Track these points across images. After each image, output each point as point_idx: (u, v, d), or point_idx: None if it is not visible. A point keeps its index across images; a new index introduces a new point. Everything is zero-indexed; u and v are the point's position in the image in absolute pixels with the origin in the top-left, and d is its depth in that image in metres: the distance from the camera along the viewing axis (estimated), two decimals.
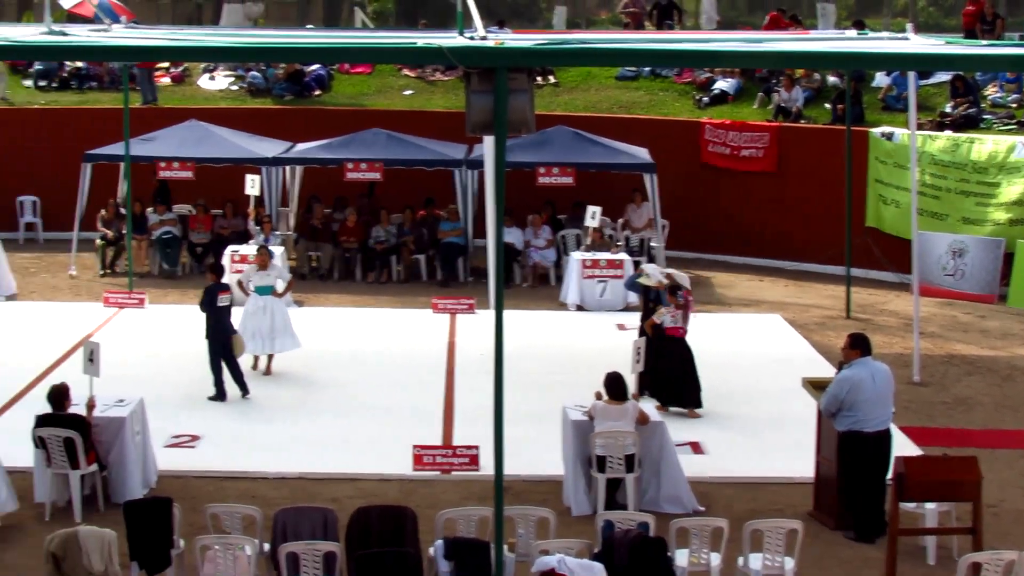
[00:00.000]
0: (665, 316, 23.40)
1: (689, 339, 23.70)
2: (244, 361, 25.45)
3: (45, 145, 39.02)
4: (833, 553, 17.60)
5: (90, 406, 19.15)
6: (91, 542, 14.95)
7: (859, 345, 18.33)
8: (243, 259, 29.95)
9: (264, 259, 26.35)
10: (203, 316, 24.31)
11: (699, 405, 23.37)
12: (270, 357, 26.11)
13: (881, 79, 37.97)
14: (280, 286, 26.43)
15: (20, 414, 21.80)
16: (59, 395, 18.98)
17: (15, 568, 16.94)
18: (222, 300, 24.23)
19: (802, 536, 15.75)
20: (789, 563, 15.68)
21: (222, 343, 24.26)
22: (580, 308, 31.43)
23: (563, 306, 31.73)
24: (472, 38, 16.08)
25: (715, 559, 15.77)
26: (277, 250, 30.80)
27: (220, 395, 24.18)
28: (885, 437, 18.19)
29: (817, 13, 48.23)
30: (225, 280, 25.24)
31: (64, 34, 21.53)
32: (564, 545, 14.98)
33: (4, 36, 20.92)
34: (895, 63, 26.38)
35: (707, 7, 45.47)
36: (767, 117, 37.76)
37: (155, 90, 41.81)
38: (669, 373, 23.25)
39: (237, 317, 25.09)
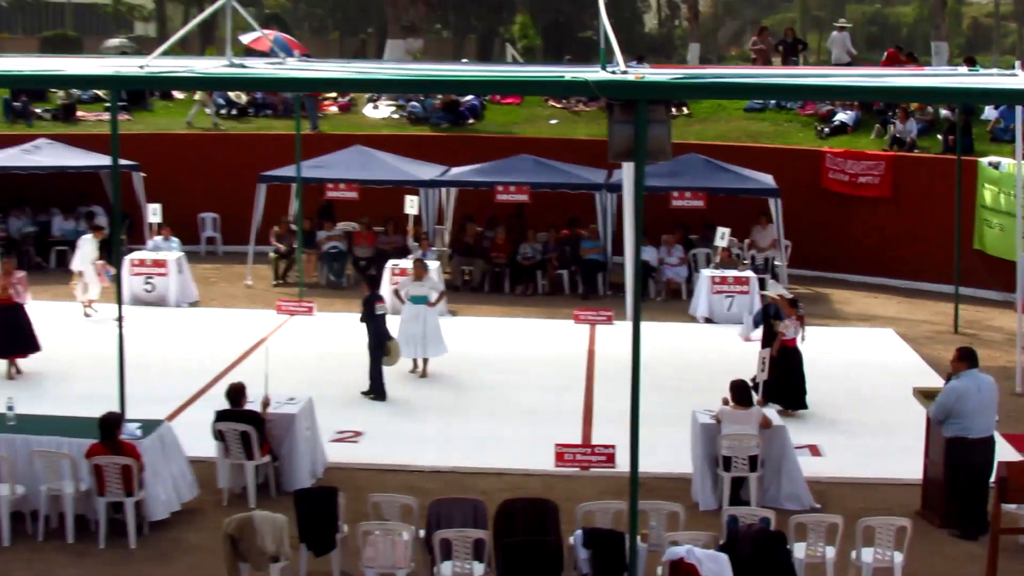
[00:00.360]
0: (789, 328, 23.40)
1: (809, 350, 23.64)
2: (403, 364, 25.72)
3: (225, 167, 39.50)
4: (939, 549, 17.43)
5: (264, 403, 19.38)
6: (265, 525, 15.16)
7: (967, 358, 18.21)
8: (402, 272, 30.12)
9: (419, 271, 26.54)
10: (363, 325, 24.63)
11: (805, 407, 23.43)
12: (425, 361, 26.27)
13: (990, 112, 37.52)
14: (433, 296, 26.57)
15: (202, 409, 22.12)
16: (236, 393, 19.21)
17: (198, 547, 17.16)
18: (378, 309, 24.46)
19: (910, 533, 15.60)
20: (898, 557, 15.57)
21: (378, 348, 24.52)
22: (708, 320, 31.36)
23: (693, 319, 31.68)
24: (614, 72, 16.09)
25: (830, 552, 15.69)
26: (433, 264, 31.07)
27: (380, 395, 24.38)
28: (989, 443, 18.03)
29: (931, 51, 47.90)
30: (383, 290, 25.46)
31: (243, 67, 21.81)
32: (692, 537, 14.97)
33: (190, 68, 21.26)
34: (1003, 98, 26.07)
35: (838, 42, 45.04)
36: (883, 147, 37.42)
37: (318, 118, 42.26)
38: (788, 379, 23.19)
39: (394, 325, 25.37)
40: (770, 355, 22.83)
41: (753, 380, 21.55)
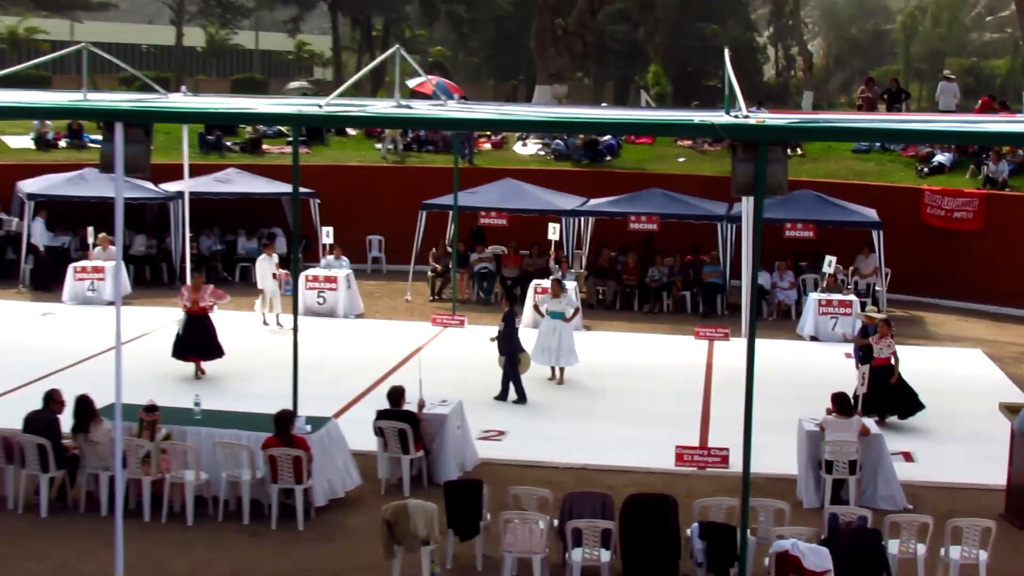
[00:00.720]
0: (883, 349, 23.12)
1: (904, 366, 23.32)
2: (543, 372, 25.77)
3: (390, 196, 39.80)
4: (1021, 549, 17.10)
5: (420, 405, 19.46)
6: (418, 512, 15.18)
7: None
8: (544, 291, 30.15)
9: (556, 290, 26.57)
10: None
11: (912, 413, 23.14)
12: (561, 370, 26.25)
13: None
14: (568, 312, 26.53)
15: (365, 408, 22.22)
16: (396, 395, 19.31)
17: (357, 530, 17.23)
18: (517, 323, 24.55)
19: (995, 533, 15.36)
20: (983, 555, 15.31)
21: (512, 357, 24.56)
22: (814, 339, 31.08)
23: (800, 337, 31.41)
24: (737, 116, 16.03)
25: (921, 549, 15.44)
26: (570, 284, 31.14)
27: (521, 398, 24.39)
28: None
29: (1023, 100, 47.15)
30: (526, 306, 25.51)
31: (409, 107, 21.93)
32: (796, 532, 14.84)
33: (362, 108, 21.43)
34: None
35: (947, 91, 44.40)
36: (977, 185, 36.94)
37: (473, 154, 42.47)
38: (883, 392, 22.84)
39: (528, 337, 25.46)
40: (868, 370, 22.49)
41: (854, 393, 21.25)
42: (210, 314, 26.00)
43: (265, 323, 30.91)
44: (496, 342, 24.88)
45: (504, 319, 24.79)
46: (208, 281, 27.78)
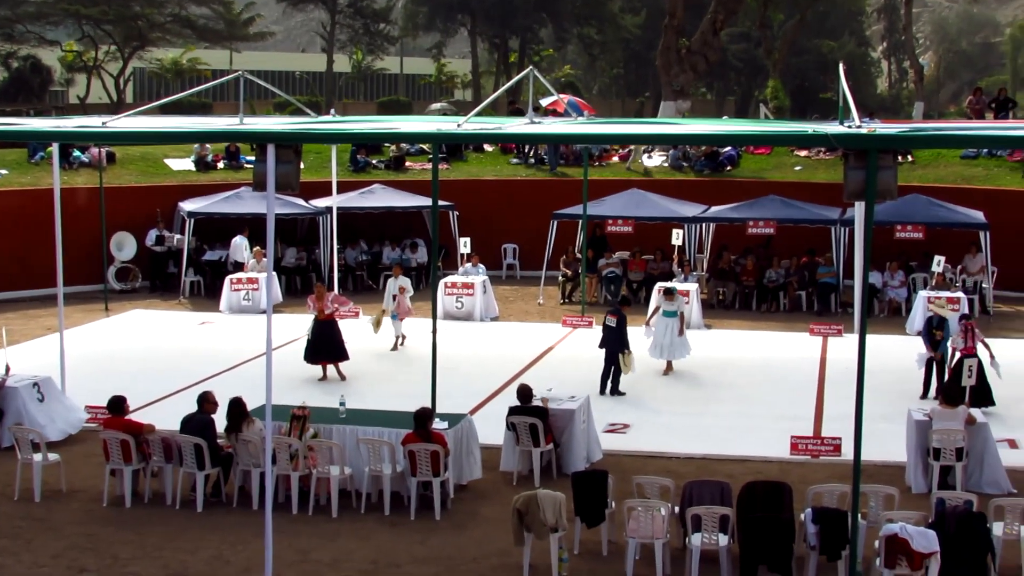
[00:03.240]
0: (958, 340, 22.79)
1: (1009, 358, 22.89)
2: (659, 366, 26.02)
3: (524, 206, 39.94)
4: None
5: (544, 401, 19.51)
6: (547, 501, 15.16)
7: None
8: (662, 291, 30.08)
9: (670, 296, 26.50)
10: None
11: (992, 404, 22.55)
12: (669, 363, 26.31)
13: None
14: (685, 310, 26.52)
15: (497, 405, 22.28)
16: (525, 393, 19.34)
17: (490, 519, 17.24)
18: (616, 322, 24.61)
19: None
20: None
21: (613, 354, 24.58)
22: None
23: (909, 333, 30.93)
24: (850, 127, 15.88)
25: None
26: (692, 287, 31.11)
27: (613, 390, 24.51)
28: None
29: None
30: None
31: (541, 124, 21.98)
32: (905, 516, 14.63)
33: (497, 125, 21.52)
34: None
35: None
36: None
37: (558, 164, 43.09)
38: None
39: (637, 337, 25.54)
40: (977, 364, 22.02)
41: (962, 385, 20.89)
42: (337, 319, 26.26)
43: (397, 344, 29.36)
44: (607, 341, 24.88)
45: (616, 319, 24.76)
46: (355, 290, 28.00)
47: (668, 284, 30.47)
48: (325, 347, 25.86)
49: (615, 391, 24.42)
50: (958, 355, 22.57)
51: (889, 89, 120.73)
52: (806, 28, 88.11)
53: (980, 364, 22.12)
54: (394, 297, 28.97)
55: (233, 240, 36.39)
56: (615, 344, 24.51)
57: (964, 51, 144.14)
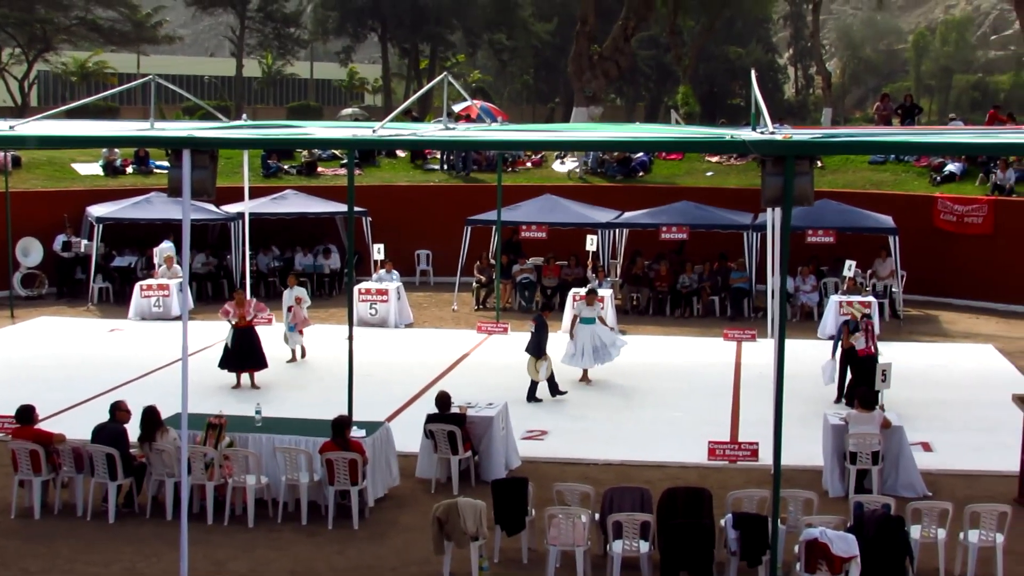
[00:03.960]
0: (859, 339, 23.11)
1: (920, 362, 23.22)
2: (575, 374, 25.88)
3: (437, 212, 39.82)
4: None
5: (463, 408, 19.40)
6: (467, 509, 15.06)
7: None
8: (581, 297, 30.07)
9: (591, 298, 26.50)
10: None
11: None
12: (585, 372, 26.21)
13: None
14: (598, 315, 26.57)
15: (413, 413, 22.18)
16: (443, 401, 19.22)
17: (410, 528, 17.09)
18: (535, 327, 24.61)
19: (1010, 517, 15.21)
20: (999, 538, 15.14)
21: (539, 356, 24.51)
22: (833, 338, 30.92)
23: (821, 337, 31.11)
24: (764, 133, 15.93)
25: (941, 534, 15.30)
26: (607, 292, 31.15)
27: (531, 396, 24.38)
28: None
29: None
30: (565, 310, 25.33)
31: (455, 129, 21.88)
32: (824, 520, 14.71)
33: (413, 131, 21.37)
34: None
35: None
36: (986, 192, 36.72)
37: (471, 170, 43.16)
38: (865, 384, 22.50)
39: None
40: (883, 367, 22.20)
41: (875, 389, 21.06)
42: (256, 327, 25.98)
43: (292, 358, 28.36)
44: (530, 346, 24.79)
45: (536, 324, 24.70)
46: (267, 296, 27.67)
47: (582, 290, 30.50)
48: (245, 355, 25.55)
49: (533, 398, 24.34)
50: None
51: (796, 95, 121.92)
52: (715, 35, 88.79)
53: (874, 365, 22.40)
54: (289, 308, 28.20)
55: (160, 246, 35.80)
56: (531, 349, 24.45)
57: (869, 58, 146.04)
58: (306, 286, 33.11)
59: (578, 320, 26.21)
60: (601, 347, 26.11)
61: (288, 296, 28.37)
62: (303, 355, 28.35)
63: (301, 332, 28.24)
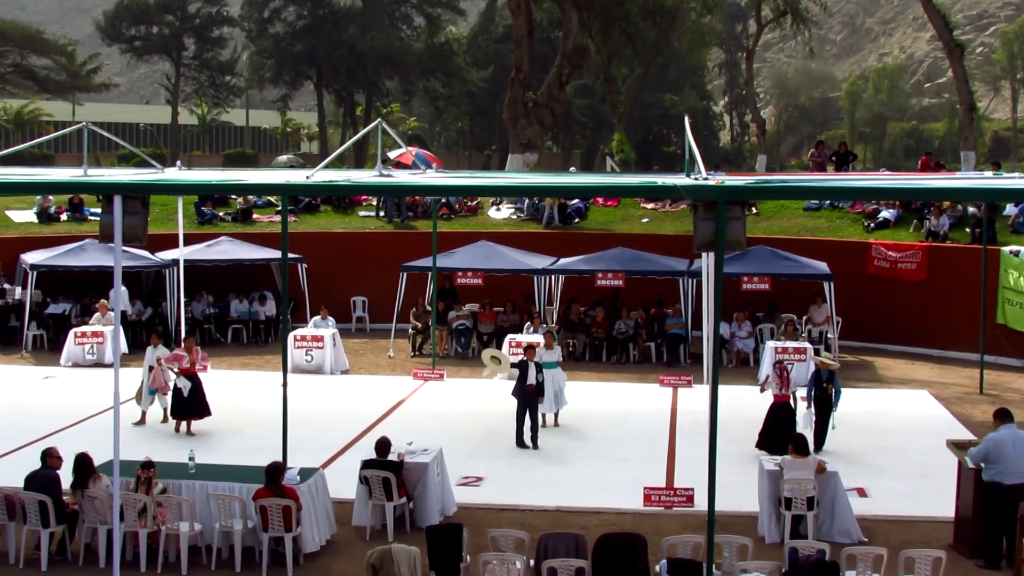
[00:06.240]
0: (774, 386, 23.24)
1: (856, 407, 23.33)
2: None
3: (373, 259, 39.80)
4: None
5: (400, 455, 19.34)
6: (401, 556, 15.01)
7: (1003, 416, 17.92)
8: (519, 344, 30.15)
9: (549, 341, 26.59)
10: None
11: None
12: (556, 414, 26.35)
13: (1011, 209, 37.00)
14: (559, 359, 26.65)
15: (349, 459, 22.10)
16: (383, 446, 19.15)
17: (344, 574, 17.03)
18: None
19: (945, 563, 15.26)
20: None
21: (527, 402, 24.50)
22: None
23: (757, 383, 31.28)
24: (697, 179, 16.05)
25: None
26: (540, 338, 31.14)
27: (519, 442, 24.39)
28: (1020, 489, 17.57)
29: (960, 159, 47.46)
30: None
31: (391, 176, 21.91)
32: (759, 566, 14.76)
33: (347, 178, 21.38)
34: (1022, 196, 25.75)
35: None
36: (920, 238, 37.06)
37: (406, 217, 43.08)
38: (783, 431, 22.56)
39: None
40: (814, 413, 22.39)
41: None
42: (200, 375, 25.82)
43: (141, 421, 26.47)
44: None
45: (520, 370, 24.75)
46: (202, 343, 27.54)
47: (519, 336, 30.54)
48: (192, 403, 25.42)
49: (534, 441, 24.48)
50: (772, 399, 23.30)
51: (732, 142, 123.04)
52: (649, 82, 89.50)
53: (791, 411, 22.58)
54: (151, 368, 26.43)
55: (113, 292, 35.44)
56: (525, 393, 24.53)
57: (803, 106, 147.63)
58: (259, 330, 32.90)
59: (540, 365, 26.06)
60: (560, 392, 26.29)
61: (151, 355, 26.52)
62: (163, 419, 26.25)
63: (164, 393, 26.13)
